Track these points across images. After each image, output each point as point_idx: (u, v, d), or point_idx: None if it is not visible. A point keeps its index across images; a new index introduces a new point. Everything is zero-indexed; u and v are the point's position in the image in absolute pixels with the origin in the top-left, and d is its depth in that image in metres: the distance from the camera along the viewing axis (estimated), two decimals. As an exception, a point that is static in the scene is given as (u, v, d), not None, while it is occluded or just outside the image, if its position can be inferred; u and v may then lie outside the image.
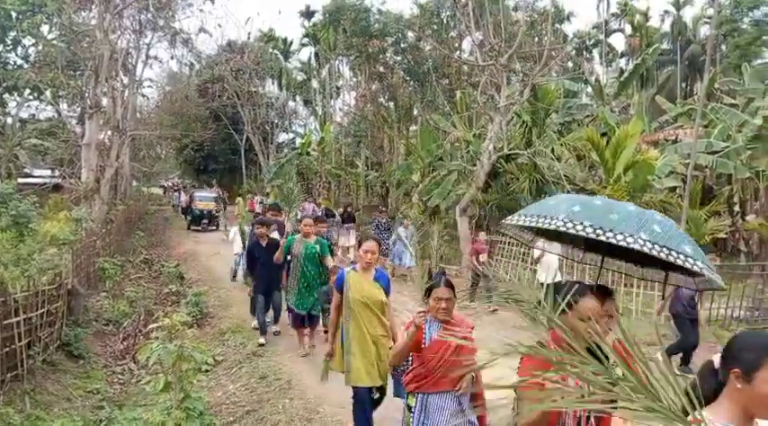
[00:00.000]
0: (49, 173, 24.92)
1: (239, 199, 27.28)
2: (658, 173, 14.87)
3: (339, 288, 4.93)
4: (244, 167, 38.27)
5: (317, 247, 7.66)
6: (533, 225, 3.03)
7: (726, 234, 15.51)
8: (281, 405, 6.44)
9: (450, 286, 3.73)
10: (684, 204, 10.74)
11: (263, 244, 8.65)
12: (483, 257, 12.16)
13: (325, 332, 6.71)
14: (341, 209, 19.35)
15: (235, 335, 9.68)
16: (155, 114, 33.25)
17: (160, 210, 34.63)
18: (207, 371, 6.69)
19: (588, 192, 15.27)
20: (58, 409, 6.96)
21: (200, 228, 25.59)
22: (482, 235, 12.78)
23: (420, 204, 18.72)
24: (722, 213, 16.13)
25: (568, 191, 15.40)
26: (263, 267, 8.50)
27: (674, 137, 17.75)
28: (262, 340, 8.76)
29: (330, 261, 7.70)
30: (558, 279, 9.87)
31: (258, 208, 27.42)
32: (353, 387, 4.87)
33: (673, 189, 16.01)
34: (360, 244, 5.24)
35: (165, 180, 56.68)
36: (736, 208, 16.12)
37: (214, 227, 25.52)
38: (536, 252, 10.46)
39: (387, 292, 5.09)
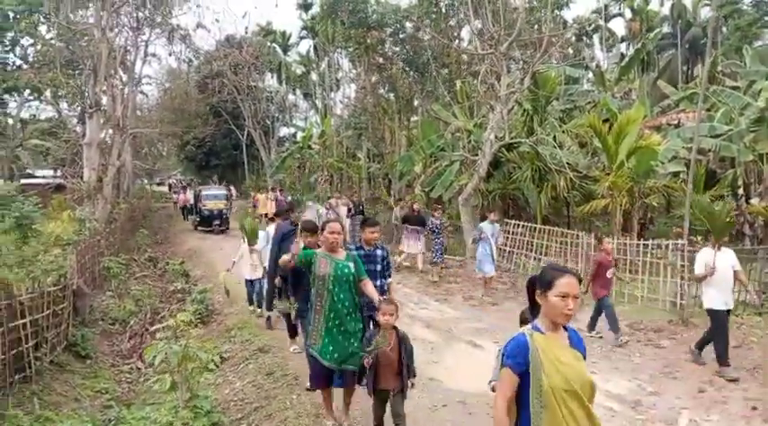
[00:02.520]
0: (51, 173, 24.99)
1: (259, 195, 25.77)
2: (661, 158, 14.78)
3: (517, 364, 2.80)
4: (245, 162, 38.26)
5: (352, 266, 5.28)
6: None
7: (730, 217, 15.43)
8: (288, 401, 6.43)
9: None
10: (688, 189, 10.67)
11: None
12: (610, 272, 9.06)
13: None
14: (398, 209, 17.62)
15: (241, 332, 9.67)
16: (155, 111, 33.25)
17: (163, 208, 34.68)
18: (213, 370, 6.69)
19: (591, 180, 15.23)
20: (67, 409, 6.98)
21: (210, 230, 23.55)
22: (607, 241, 9.63)
23: (422, 195, 18.67)
24: (726, 197, 16.06)
25: (571, 179, 15.37)
26: (298, 284, 6.43)
27: (676, 122, 17.64)
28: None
29: (373, 290, 5.29)
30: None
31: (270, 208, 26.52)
32: None
33: (676, 174, 15.93)
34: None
35: (168, 177, 56.81)
36: (740, 192, 16.06)
37: (224, 228, 23.74)
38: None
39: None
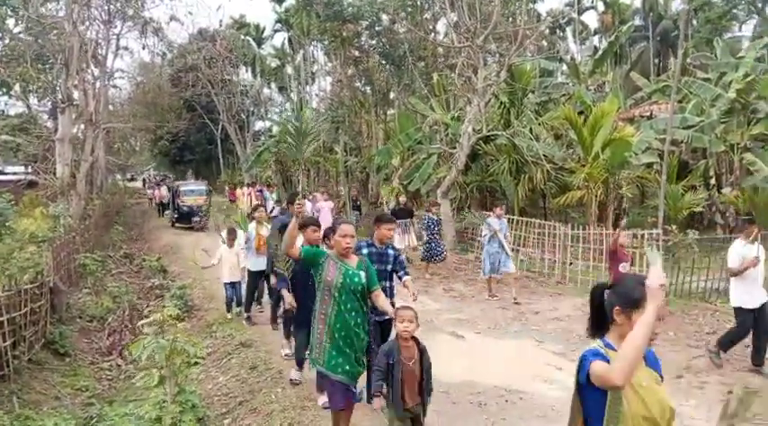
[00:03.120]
0: (22, 169, 24.43)
1: (239, 190, 25.24)
2: (635, 149, 15.05)
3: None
4: (220, 157, 37.95)
5: (363, 276, 4.60)
6: None
7: (702, 207, 15.79)
8: (273, 395, 6.43)
9: None
10: (662, 179, 10.90)
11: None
12: (624, 267, 8.29)
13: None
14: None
15: (222, 327, 9.63)
16: (128, 106, 32.76)
17: (138, 204, 34.25)
18: (196, 363, 6.67)
19: (567, 171, 15.43)
20: (47, 408, 6.90)
21: (189, 227, 22.64)
22: (624, 235, 8.62)
23: (400, 188, 18.72)
24: (698, 187, 16.43)
25: (547, 171, 15.56)
26: (305, 291, 5.87)
27: (648, 114, 17.96)
28: (296, 376, 6.64)
29: (385, 302, 4.67)
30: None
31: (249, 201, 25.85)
32: None
33: (649, 164, 16.22)
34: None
35: (141, 172, 56.08)
36: (712, 182, 16.42)
37: (204, 225, 22.59)
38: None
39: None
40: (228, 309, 9.86)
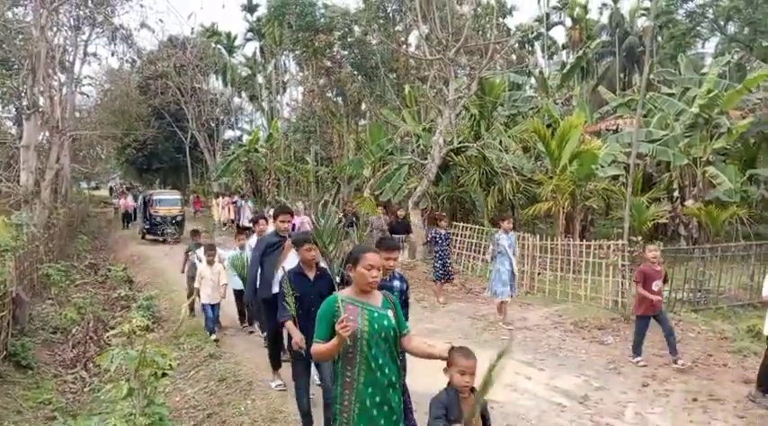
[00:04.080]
0: (-17, 177, 23.82)
1: (215, 200, 24.79)
2: (601, 162, 15.34)
3: None
4: (189, 165, 37.55)
5: (392, 316, 3.47)
6: None
7: (666, 219, 16.16)
8: (242, 407, 6.37)
9: None
10: (628, 191, 11.11)
11: (311, 278, 5.17)
12: (657, 285, 7.46)
13: None
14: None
15: (190, 339, 9.50)
16: (95, 113, 32.24)
17: (103, 213, 33.65)
18: (165, 375, 6.57)
19: (535, 183, 15.66)
20: (8, 422, 6.71)
21: (163, 239, 21.28)
22: (651, 249, 7.77)
23: (372, 199, 18.76)
24: (662, 199, 16.81)
25: (516, 183, 15.77)
26: (307, 319, 4.59)
27: (614, 127, 18.36)
28: None
29: (425, 346, 3.59)
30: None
31: (225, 213, 24.41)
32: None
33: (615, 177, 16.54)
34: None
35: (107, 181, 55.08)
36: (676, 194, 16.80)
37: (178, 237, 21.20)
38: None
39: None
40: (212, 331, 8.92)
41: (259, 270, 6.58)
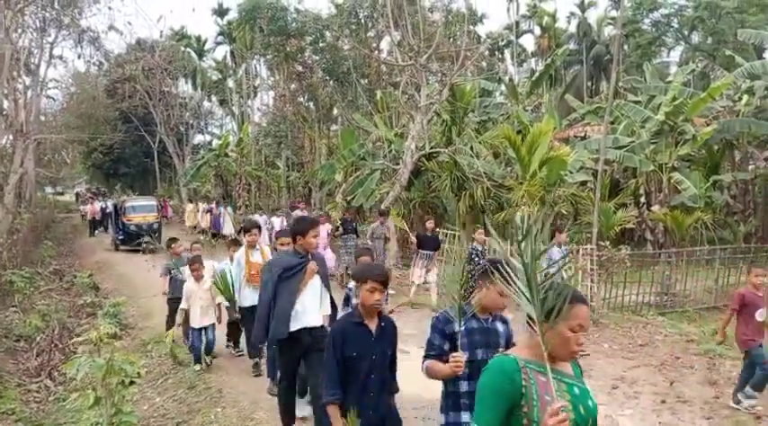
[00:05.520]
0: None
1: (188, 206, 23.94)
2: (570, 168, 15.56)
3: None
4: (157, 170, 37.02)
5: (592, 393, 2.33)
6: None
7: (633, 224, 16.45)
8: (213, 415, 6.28)
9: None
10: (596, 197, 11.30)
11: (372, 329, 3.57)
12: (762, 314, 6.12)
13: None
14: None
15: (158, 346, 9.32)
16: (60, 117, 31.60)
17: (68, 218, 32.95)
18: (133, 383, 6.46)
19: (506, 189, 15.81)
20: (-31, 433, 6.51)
21: (138, 249, 19.31)
22: (759, 272, 6.35)
23: (343, 204, 18.73)
24: (629, 204, 17.11)
25: (487, 188, 15.90)
26: (362, 393, 3.53)
27: (582, 134, 18.64)
28: None
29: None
30: None
31: (203, 222, 22.91)
32: None
33: (583, 183, 16.80)
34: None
35: (72, 186, 54.02)
36: (642, 200, 17.13)
37: (154, 247, 18.38)
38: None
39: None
40: (198, 360, 7.59)
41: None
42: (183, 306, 7.62)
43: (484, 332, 3.32)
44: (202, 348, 7.58)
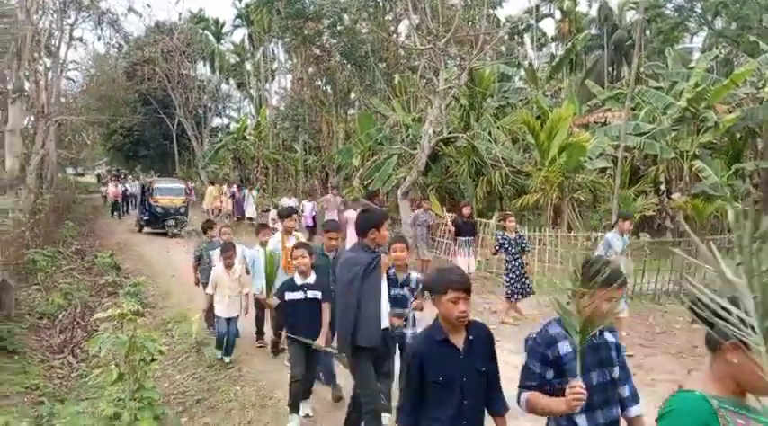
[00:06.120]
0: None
1: (209, 188, 23.38)
2: (590, 154, 15.42)
3: None
4: (176, 153, 37.27)
5: None
6: None
7: (653, 212, 16.30)
8: (232, 393, 6.38)
9: None
10: (616, 184, 11.22)
11: (459, 347, 2.96)
12: None
13: None
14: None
15: (178, 325, 9.48)
16: (81, 98, 31.88)
17: (88, 199, 33.32)
18: (154, 360, 6.57)
19: (524, 174, 15.73)
20: (-5, 407, 6.68)
21: (163, 232, 19.63)
22: None
23: (361, 188, 18.76)
24: (649, 192, 16.94)
25: (505, 174, 15.83)
26: (456, 420, 2.93)
27: (603, 120, 18.44)
28: None
29: None
30: None
31: (227, 205, 22.61)
32: None
33: (603, 169, 16.66)
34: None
35: (93, 167, 54.58)
36: (663, 187, 16.94)
37: (180, 231, 19.84)
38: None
39: None
40: (228, 352, 7.25)
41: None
42: (209, 290, 7.23)
43: (594, 350, 2.68)
44: (227, 339, 7.19)
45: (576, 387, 2.39)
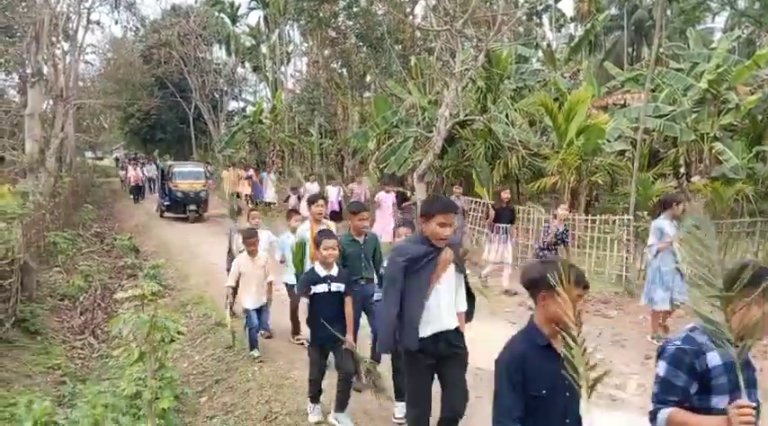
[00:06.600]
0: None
1: (225, 172, 22.58)
2: (608, 136, 15.25)
3: None
4: (193, 136, 37.44)
5: None
6: None
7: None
8: (250, 373, 6.45)
9: None
10: (634, 167, 11.09)
11: (555, 355, 2.52)
12: None
13: None
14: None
15: (197, 307, 9.61)
16: (98, 82, 32.08)
17: (107, 183, 33.67)
18: (173, 340, 6.65)
19: (541, 157, 15.59)
20: (18, 386, 6.81)
21: (184, 217, 19.45)
22: None
23: (376, 171, 18.73)
24: (668, 175, 16.73)
25: (522, 157, 15.70)
26: None
27: (622, 102, 18.20)
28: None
29: None
30: None
31: (244, 189, 21.51)
32: None
33: (622, 152, 16.46)
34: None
35: (110, 151, 55.02)
36: (682, 170, 16.73)
37: (201, 215, 19.88)
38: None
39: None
40: (254, 345, 6.82)
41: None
42: (230, 282, 6.88)
43: (746, 365, 2.27)
44: (258, 334, 6.95)
45: (746, 408, 2.08)
